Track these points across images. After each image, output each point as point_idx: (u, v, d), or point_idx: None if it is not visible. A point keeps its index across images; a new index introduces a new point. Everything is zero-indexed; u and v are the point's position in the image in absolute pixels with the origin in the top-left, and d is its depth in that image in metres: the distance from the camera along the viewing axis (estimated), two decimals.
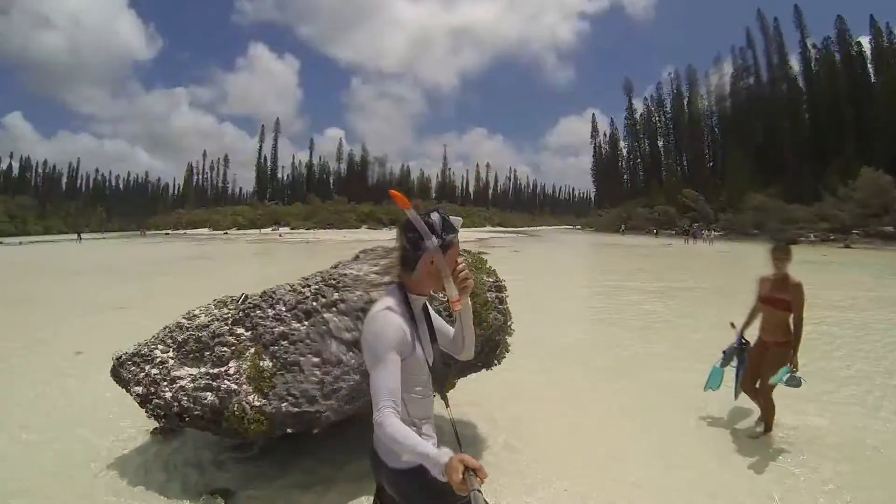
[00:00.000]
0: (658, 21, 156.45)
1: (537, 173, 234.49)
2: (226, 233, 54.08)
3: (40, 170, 75.58)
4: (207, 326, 2.99)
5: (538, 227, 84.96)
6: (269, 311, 2.94)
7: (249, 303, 3.05)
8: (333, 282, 3.01)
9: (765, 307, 3.54)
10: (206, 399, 2.67)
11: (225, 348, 2.86)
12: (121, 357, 2.98)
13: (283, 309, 2.91)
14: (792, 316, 3.38)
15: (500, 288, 3.36)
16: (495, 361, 3.32)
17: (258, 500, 2.76)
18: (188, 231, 60.29)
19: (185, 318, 3.14)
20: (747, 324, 3.74)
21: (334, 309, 2.87)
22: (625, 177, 79.61)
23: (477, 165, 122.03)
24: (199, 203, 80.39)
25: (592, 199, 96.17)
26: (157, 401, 2.76)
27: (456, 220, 1.48)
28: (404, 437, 1.25)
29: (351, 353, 2.72)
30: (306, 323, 2.83)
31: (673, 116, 68.90)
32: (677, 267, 18.09)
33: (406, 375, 1.39)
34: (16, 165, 73.03)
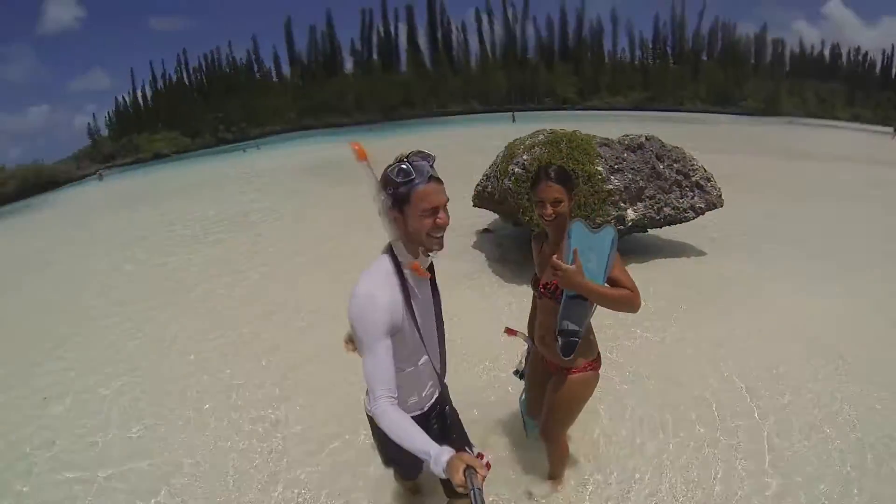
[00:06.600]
0: None
1: None
2: None
3: (852, 56, 69.45)
4: None
5: None
6: None
7: None
8: None
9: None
10: None
11: None
12: None
13: None
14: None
15: None
16: None
17: None
18: None
19: None
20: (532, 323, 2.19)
21: None
22: None
23: None
24: None
25: None
26: None
27: (415, 166, 1.25)
28: (403, 430, 1.22)
29: None
30: None
31: None
32: None
33: (397, 351, 1.33)
34: (826, 53, 69.25)
